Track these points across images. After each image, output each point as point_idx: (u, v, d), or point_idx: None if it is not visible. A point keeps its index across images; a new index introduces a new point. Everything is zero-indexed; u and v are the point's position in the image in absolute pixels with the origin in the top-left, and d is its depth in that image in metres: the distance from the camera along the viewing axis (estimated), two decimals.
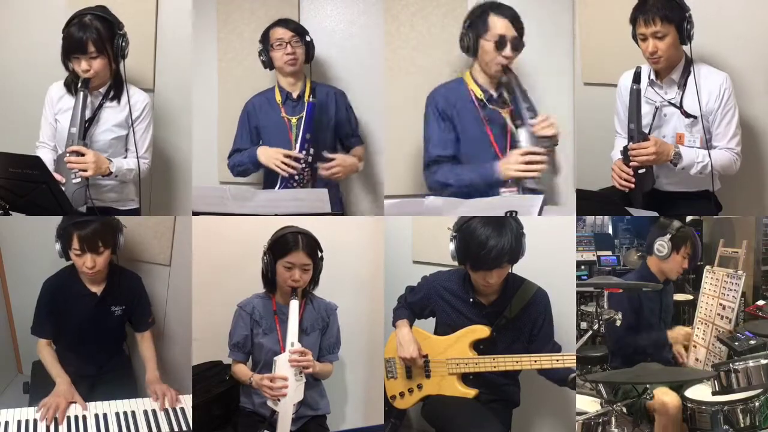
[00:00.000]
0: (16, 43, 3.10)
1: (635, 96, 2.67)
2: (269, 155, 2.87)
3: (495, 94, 2.78)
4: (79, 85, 2.62)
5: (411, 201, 2.74)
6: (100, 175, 2.67)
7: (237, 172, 3.02)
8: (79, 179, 2.60)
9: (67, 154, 2.60)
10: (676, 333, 2.95)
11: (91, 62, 2.61)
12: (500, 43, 2.67)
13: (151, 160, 2.88)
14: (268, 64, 2.99)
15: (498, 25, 2.67)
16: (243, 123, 3.05)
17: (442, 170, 2.75)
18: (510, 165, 2.63)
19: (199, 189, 2.77)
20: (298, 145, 2.86)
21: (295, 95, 3.00)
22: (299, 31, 2.95)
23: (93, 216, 2.65)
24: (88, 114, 2.68)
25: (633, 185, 2.68)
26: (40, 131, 2.81)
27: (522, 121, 2.66)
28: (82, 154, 2.60)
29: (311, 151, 2.88)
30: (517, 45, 2.70)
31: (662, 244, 2.87)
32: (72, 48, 2.60)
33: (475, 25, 2.71)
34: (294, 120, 2.97)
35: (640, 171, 2.67)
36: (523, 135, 2.65)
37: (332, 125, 3.03)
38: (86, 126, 2.67)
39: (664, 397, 2.56)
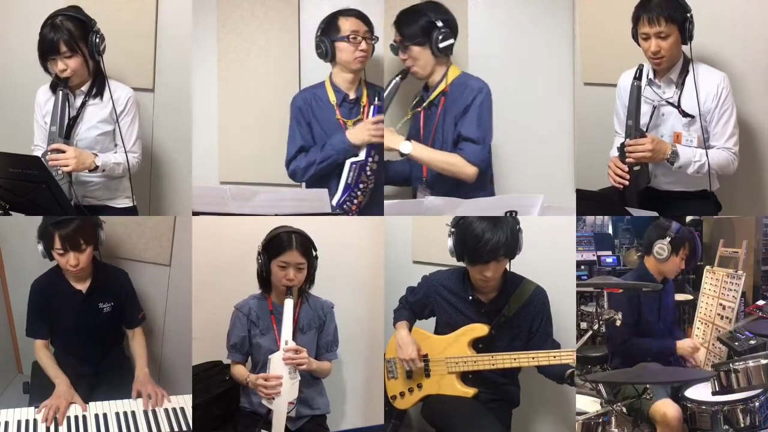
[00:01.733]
0: (16, 43, 3.10)
1: (636, 92, 2.67)
2: (360, 132, 2.76)
3: None
4: (61, 87, 2.65)
5: (411, 201, 2.75)
6: (86, 170, 2.68)
7: (308, 175, 2.84)
8: (62, 176, 2.60)
9: (49, 153, 2.61)
10: (684, 346, 2.93)
11: (66, 62, 2.64)
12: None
13: (141, 154, 2.88)
14: (329, 54, 2.81)
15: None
16: (297, 120, 2.88)
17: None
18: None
19: (199, 189, 2.76)
20: (364, 151, 2.79)
21: (352, 96, 2.88)
22: (372, 27, 2.82)
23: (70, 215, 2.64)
24: (72, 113, 2.70)
25: (627, 182, 2.68)
26: (34, 135, 2.82)
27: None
28: (63, 151, 2.61)
29: (376, 158, 2.81)
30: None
31: (662, 247, 2.87)
32: (46, 50, 2.63)
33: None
34: (350, 123, 2.86)
35: (636, 168, 2.67)
36: None
37: None
38: (70, 124, 2.69)
39: (665, 408, 2.56)
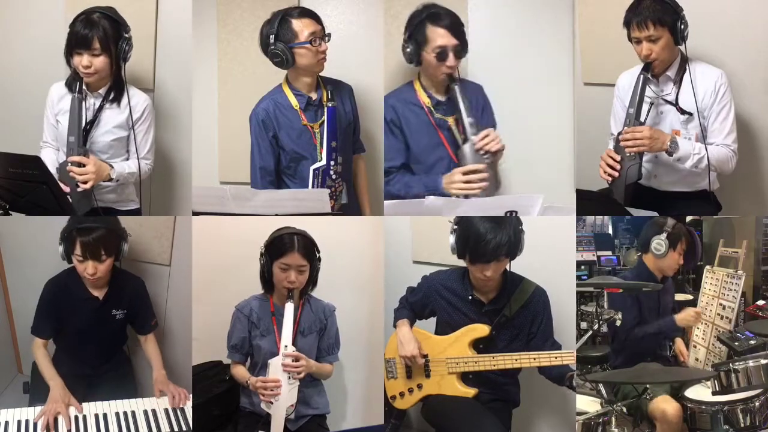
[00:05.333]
0: (16, 43, 3.10)
1: (642, 82, 2.64)
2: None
3: (443, 100, 2.80)
4: (76, 91, 2.62)
5: (411, 201, 2.74)
6: (101, 181, 2.67)
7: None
8: (81, 189, 2.59)
9: (69, 164, 2.59)
10: (685, 316, 2.92)
11: (92, 59, 2.61)
12: (441, 55, 2.69)
13: (153, 161, 2.88)
14: (289, 62, 2.69)
15: (437, 35, 2.68)
16: (260, 136, 2.79)
17: (394, 181, 2.79)
18: (453, 184, 2.65)
19: (199, 189, 2.77)
20: (324, 156, 2.75)
21: (314, 97, 2.79)
22: (323, 23, 2.73)
23: (98, 220, 2.64)
24: (89, 116, 2.69)
25: (617, 173, 2.65)
26: (44, 131, 2.81)
27: (465, 136, 2.71)
28: (83, 165, 2.59)
29: (339, 159, 2.76)
30: (460, 52, 2.71)
31: (660, 243, 2.88)
32: (76, 43, 2.60)
33: (414, 36, 2.72)
34: (316, 126, 2.80)
35: (629, 156, 2.63)
36: (466, 151, 2.70)
37: (351, 125, 2.92)
38: (87, 128, 2.67)
39: (665, 405, 2.56)
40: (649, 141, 2.60)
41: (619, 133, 2.67)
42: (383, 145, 3.08)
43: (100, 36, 2.58)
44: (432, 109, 2.79)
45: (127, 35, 2.65)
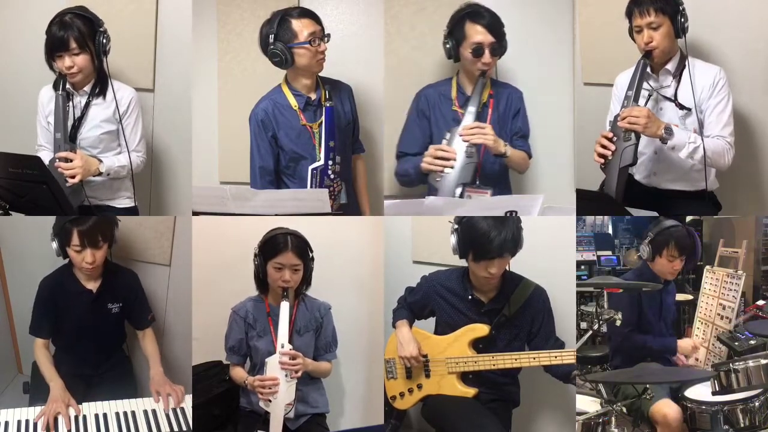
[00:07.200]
0: (18, 43, 3.10)
1: (642, 67, 2.64)
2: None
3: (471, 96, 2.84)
4: (59, 90, 2.65)
5: (411, 201, 2.74)
6: (91, 176, 2.69)
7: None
8: (71, 184, 2.61)
9: (57, 160, 2.61)
10: (686, 346, 2.93)
11: (74, 59, 2.65)
12: (477, 51, 2.74)
13: (145, 153, 2.89)
14: (288, 62, 2.71)
15: (475, 32, 2.74)
16: (259, 136, 2.80)
17: (401, 163, 2.93)
18: (426, 157, 2.73)
19: (199, 189, 2.77)
20: (323, 155, 2.75)
21: (313, 98, 2.81)
22: (322, 24, 2.75)
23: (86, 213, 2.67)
24: (77, 113, 2.72)
25: (611, 154, 2.63)
26: (38, 135, 2.82)
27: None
28: (70, 160, 2.61)
29: (337, 159, 2.77)
30: (496, 50, 2.76)
31: (643, 248, 2.89)
32: (55, 46, 2.64)
33: (453, 33, 2.79)
34: (315, 126, 2.80)
35: (625, 137, 2.60)
36: (451, 132, 2.75)
37: (350, 125, 2.93)
38: (75, 125, 2.71)
39: (665, 409, 2.55)
40: (646, 120, 2.57)
41: (616, 116, 2.65)
42: (383, 143, 3.10)
43: (76, 35, 2.63)
44: (456, 103, 2.87)
45: (101, 29, 2.68)
